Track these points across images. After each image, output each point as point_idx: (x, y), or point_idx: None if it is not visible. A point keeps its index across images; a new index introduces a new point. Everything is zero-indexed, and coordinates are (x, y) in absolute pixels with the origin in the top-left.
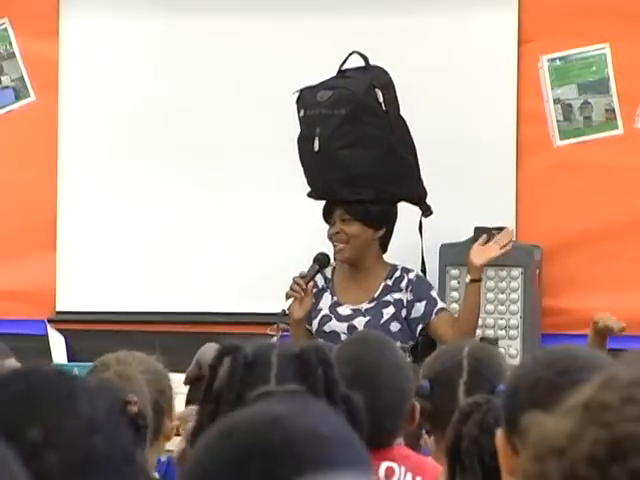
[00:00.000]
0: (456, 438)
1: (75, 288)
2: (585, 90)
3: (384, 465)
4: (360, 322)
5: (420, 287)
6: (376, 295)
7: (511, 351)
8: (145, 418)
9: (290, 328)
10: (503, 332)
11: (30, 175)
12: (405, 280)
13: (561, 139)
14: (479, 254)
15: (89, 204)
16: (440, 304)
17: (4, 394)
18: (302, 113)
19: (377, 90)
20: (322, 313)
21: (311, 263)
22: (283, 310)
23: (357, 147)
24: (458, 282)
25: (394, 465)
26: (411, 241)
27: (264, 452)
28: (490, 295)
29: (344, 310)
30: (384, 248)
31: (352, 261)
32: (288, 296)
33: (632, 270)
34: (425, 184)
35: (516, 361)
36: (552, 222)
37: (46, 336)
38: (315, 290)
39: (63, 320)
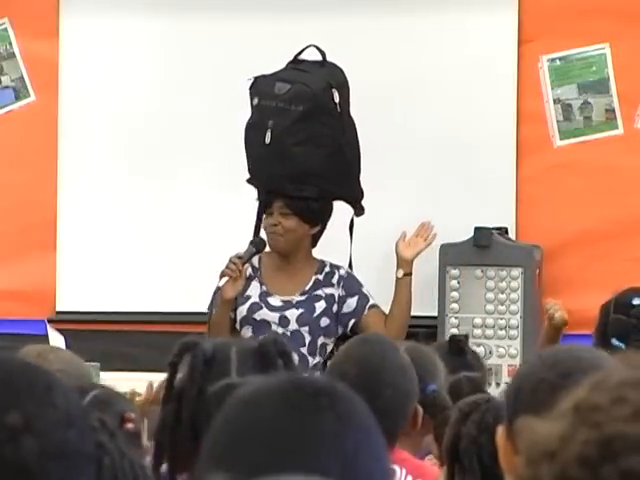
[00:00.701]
0: (455, 438)
1: (75, 288)
2: (585, 90)
3: None
4: (292, 314)
5: (351, 283)
6: (307, 288)
7: (511, 351)
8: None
9: (215, 309)
10: (503, 332)
11: (30, 175)
12: (336, 276)
13: (561, 139)
14: (407, 248)
15: (89, 204)
16: (372, 300)
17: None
18: (256, 101)
19: (334, 90)
20: (251, 301)
21: (248, 246)
22: (217, 287)
23: (308, 145)
24: (458, 282)
25: (395, 467)
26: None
27: None
28: (490, 295)
29: (274, 301)
30: (315, 243)
31: (285, 253)
32: (223, 275)
33: (632, 270)
34: (425, 184)
35: (516, 361)
36: (552, 222)
37: (46, 336)
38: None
39: (63, 320)
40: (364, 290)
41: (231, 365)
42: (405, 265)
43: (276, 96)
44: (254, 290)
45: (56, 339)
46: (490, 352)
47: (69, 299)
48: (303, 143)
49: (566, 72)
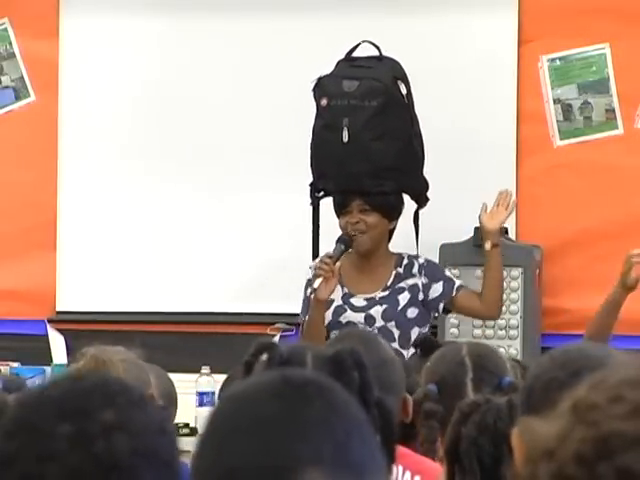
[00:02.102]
0: (455, 439)
1: (75, 288)
2: (585, 90)
3: None
4: (377, 311)
5: (433, 269)
6: (389, 283)
7: (511, 351)
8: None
9: (311, 310)
10: (503, 332)
11: (30, 175)
12: (416, 265)
13: (561, 139)
14: (490, 219)
15: (89, 204)
16: (458, 282)
17: (82, 383)
18: (325, 102)
19: (399, 82)
20: (335, 304)
21: (336, 244)
22: (313, 289)
23: (385, 139)
24: None
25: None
26: (408, 240)
27: None
28: None
29: (358, 301)
30: (390, 238)
31: (369, 251)
32: (317, 275)
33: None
34: None
35: None
36: (552, 222)
37: (46, 336)
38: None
39: (63, 320)
40: (447, 274)
41: (306, 369)
42: (491, 237)
43: (347, 94)
44: (336, 293)
45: (56, 339)
46: None
47: (69, 299)
48: (380, 138)
49: (566, 72)
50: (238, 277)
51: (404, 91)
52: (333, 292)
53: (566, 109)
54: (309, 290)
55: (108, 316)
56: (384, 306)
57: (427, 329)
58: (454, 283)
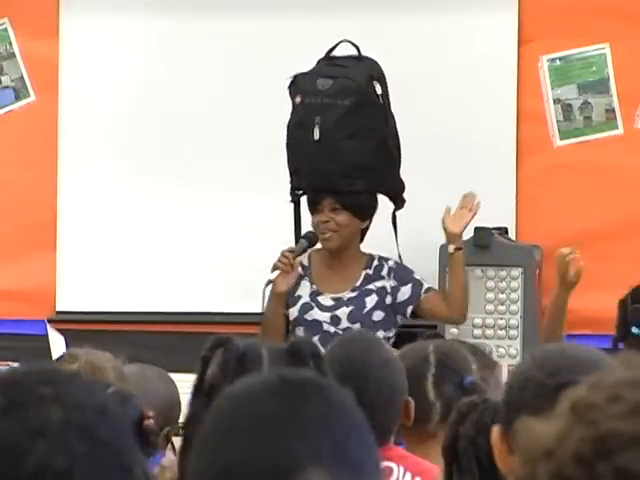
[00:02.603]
0: (453, 438)
1: (75, 288)
2: (585, 90)
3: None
4: (343, 312)
5: (402, 272)
6: (358, 284)
7: (511, 351)
8: (156, 432)
9: (267, 304)
10: (503, 332)
11: (30, 175)
12: (385, 268)
13: (561, 139)
14: (454, 222)
15: (89, 204)
16: (426, 285)
17: (27, 366)
18: (299, 99)
19: (375, 82)
20: (302, 301)
21: (301, 240)
22: (269, 280)
23: (357, 138)
24: None
25: (392, 465)
26: (408, 240)
27: None
28: (490, 295)
29: (325, 300)
30: (362, 239)
31: (338, 249)
32: (275, 268)
33: (632, 270)
34: (425, 184)
35: (516, 361)
36: (552, 222)
37: (46, 336)
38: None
39: (63, 320)
40: (416, 276)
41: (263, 363)
42: (454, 240)
43: (320, 92)
44: (305, 290)
45: (56, 339)
46: (490, 352)
47: (69, 299)
48: (352, 137)
49: (566, 72)
50: (238, 277)
51: (379, 91)
52: (299, 288)
53: (566, 109)
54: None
55: (108, 316)
56: (350, 307)
57: (392, 333)
58: (422, 286)
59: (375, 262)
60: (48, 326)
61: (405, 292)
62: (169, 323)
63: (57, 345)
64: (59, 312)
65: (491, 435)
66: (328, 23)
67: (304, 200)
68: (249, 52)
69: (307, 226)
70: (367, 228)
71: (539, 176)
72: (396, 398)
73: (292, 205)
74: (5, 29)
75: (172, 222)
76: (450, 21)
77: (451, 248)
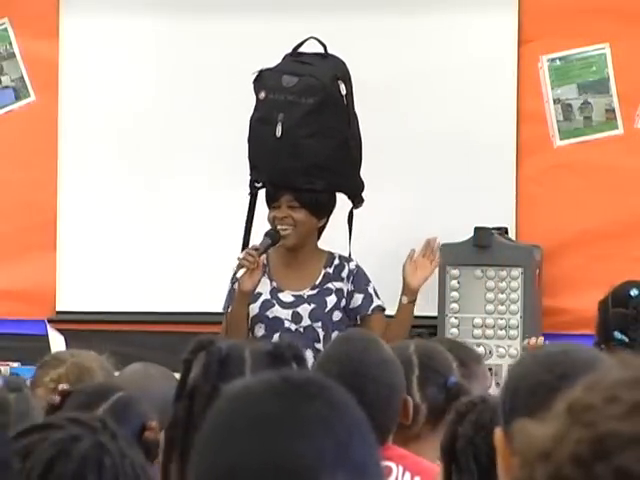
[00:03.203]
0: (452, 438)
1: (75, 288)
2: (585, 90)
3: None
4: (305, 309)
5: (359, 278)
6: (317, 282)
7: (511, 351)
8: (157, 443)
9: (233, 303)
10: (503, 332)
11: (30, 175)
12: (346, 270)
13: (561, 139)
14: (415, 275)
15: (89, 204)
16: (376, 302)
17: None
18: (263, 95)
19: (340, 82)
20: (262, 298)
21: (263, 238)
22: (236, 279)
23: (318, 137)
24: (458, 282)
25: (391, 464)
26: (408, 240)
27: None
28: (490, 295)
29: (286, 297)
30: (319, 237)
31: (295, 246)
32: (240, 265)
33: (632, 270)
34: (425, 184)
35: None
36: (552, 222)
37: (46, 336)
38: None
39: (63, 320)
40: (370, 289)
41: (245, 365)
42: (410, 293)
43: (284, 89)
44: (264, 287)
45: (56, 339)
46: (490, 352)
47: (69, 299)
48: (313, 136)
49: (566, 72)
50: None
51: (344, 91)
52: (258, 285)
53: (566, 109)
54: (235, 283)
55: (108, 316)
56: (312, 305)
57: None
58: (372, 302)
59: (336, 261)
60: (48, 326)
61: (357, 300)
62: (169, 323)
63: (57, 345)
64: (59, 312)
65: (492, 436)
66: (328, 23)
67: (260, 193)
68: (249, 52)
69: (262, 220)
70: (324, 226)
71: (539, 176)
72: (394, 397)
73: (249, 198)
74: (5, 29)
75: (172, 222)
76: (450, 21)
77: (405, 299)
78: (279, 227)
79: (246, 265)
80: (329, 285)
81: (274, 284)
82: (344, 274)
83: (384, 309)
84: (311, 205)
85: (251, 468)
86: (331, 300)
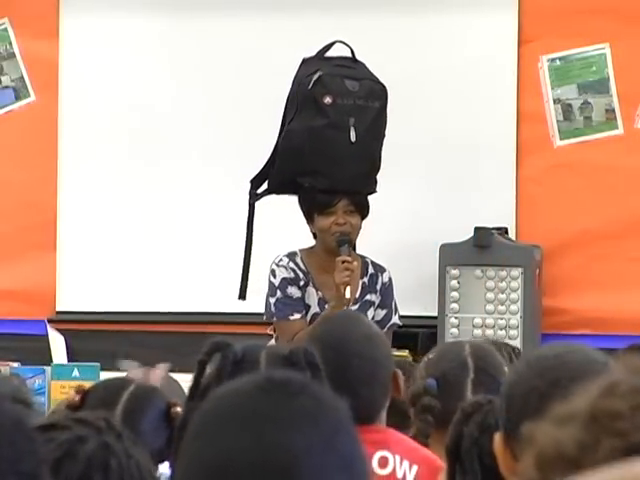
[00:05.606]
0: (457, 438)
1: (75, 288)
2: (585, 90)
3: (377, 455)
4: None
5: (388, 294)
6: (357, 295)
7: None
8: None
9: (302, 310)
10: (503, 332)
11: (30, 175)
12: (380, 282)
13: (561, 139)
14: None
15: (89, 204)
16: (393, 319)
17: None
18: (329, 100)
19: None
20: (312, 311)
21: (339, 247)
22: (347, 300)
23: (379, 140)
24: (458, 282)
25: (388, 455)
26: (408, 240)
27: None
28: (490, 295)
29: None
30: None
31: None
32: (346, 284)
33: (632, 270)
34: (425, 184)
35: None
36: (552, 222)
37: (46, 336)
38: (302, 283)
39: (63, 320)
40: (392, 305)
41: (260, 368)
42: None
43: (352, 93)
44: (312, 298)
45: (56, 339)
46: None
47: (69, 299)
48: (377, 139)
49: (566, 72)
50: (238, 277)
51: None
52: (306, 295)
53: (566, 109)
54: (289, 289)
55: (108, 316)
56: None
57: None
58: (390, 319)
59: (370, 269)
60: (48, 326)
61: (379, 315)
62: (169, 323)
63: (57, 345)
64: (59, 312)
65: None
66: (327, 23)
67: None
68: (249, 52)
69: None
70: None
71: (539, 176)
72: (380, 371)
73: (249, 206)
74: (5, 29)
75: (172, 222)
76: (450, 21)
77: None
78: (336, 233)
79: (349, 282)
80: (367, 297)
81: (319, 294)
82: (378, 286)
83: (399, 326)
84: (363, 209)
85: (240, 462)
86: (370, 314)
